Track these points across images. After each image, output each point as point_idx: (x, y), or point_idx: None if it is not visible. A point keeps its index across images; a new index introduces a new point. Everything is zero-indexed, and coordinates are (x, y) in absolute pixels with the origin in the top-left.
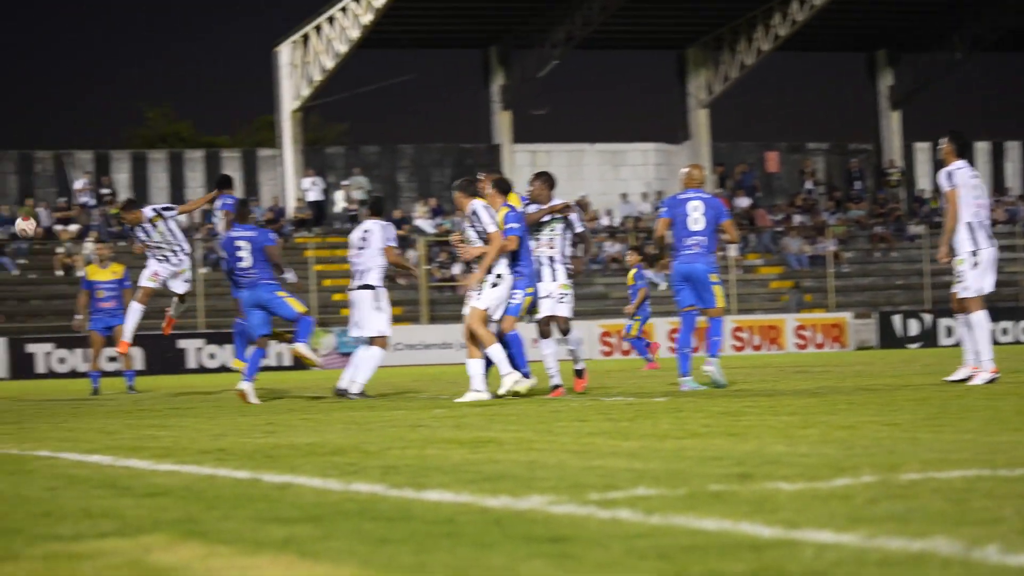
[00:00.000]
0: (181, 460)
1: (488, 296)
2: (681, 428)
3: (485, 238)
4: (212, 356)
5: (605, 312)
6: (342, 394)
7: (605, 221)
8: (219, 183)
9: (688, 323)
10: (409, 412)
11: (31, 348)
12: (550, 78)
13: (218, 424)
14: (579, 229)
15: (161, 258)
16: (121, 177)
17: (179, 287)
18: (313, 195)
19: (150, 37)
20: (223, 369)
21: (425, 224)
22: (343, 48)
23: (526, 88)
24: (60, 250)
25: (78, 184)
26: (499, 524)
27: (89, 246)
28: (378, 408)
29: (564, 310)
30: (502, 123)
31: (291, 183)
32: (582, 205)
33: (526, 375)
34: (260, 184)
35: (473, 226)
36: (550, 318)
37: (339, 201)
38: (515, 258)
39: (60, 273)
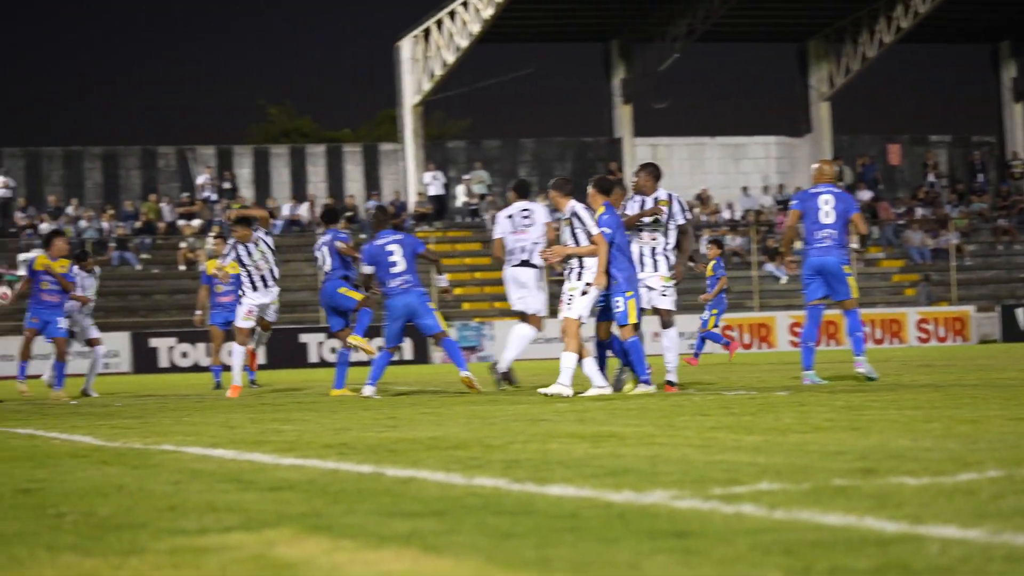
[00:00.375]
0: (304, 454)
1: (579, 305)
2: (804, 422)
3: (589, 239)
4: (333, 351)
5: None
6: (506, 377)
7: (726, 214)
8: (325, 217)
9: (815, 317)
10: (531, 406)
11: (154, 343)
12: (671, 71)
13: (340, 418)
14: (680, 220)
15: (253, 283)
16: (243, 172)
17: (271, 316)
18: (434, 189)
19: (272, 34)
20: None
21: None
22: (464, 42)
23: (647, 81)
24: (183, 245)
25: (200, 179)
26: (622, 519)
27: (210, 241)
28: (500, 402)
29: (666, 303)
30: (623, 117)
31: (412, 177)
32: (703, 198)
33: (646, 382)
34: (381, 179)
35: (572, 227)
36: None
37: (460, 195)
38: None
39: (183, 268)
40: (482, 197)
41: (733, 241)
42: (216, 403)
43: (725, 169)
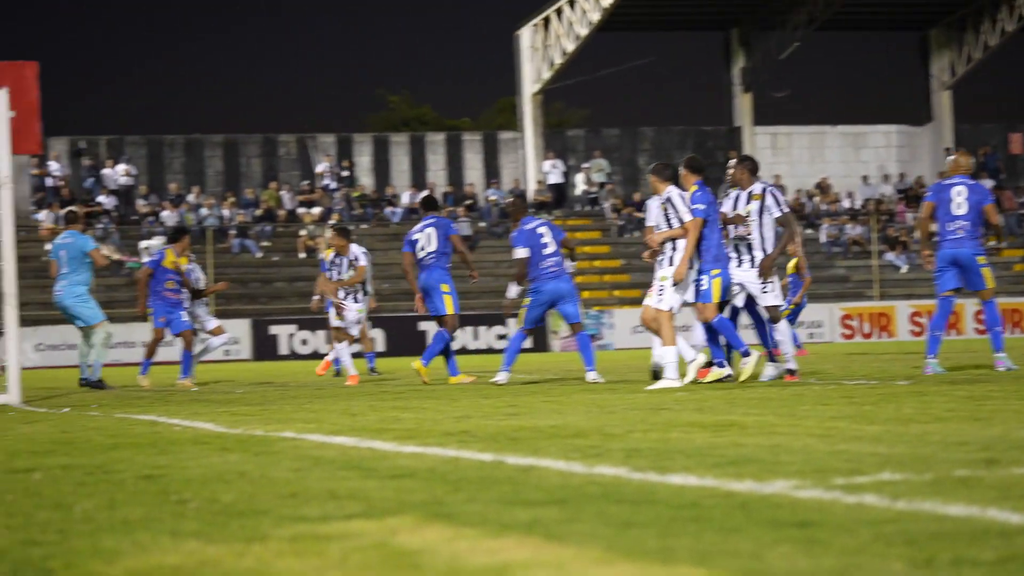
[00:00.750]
0: (425, 442)
1: (669, 296)
2: (925, 412)
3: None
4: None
5: (845, 295)
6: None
7: (847, 203)
8: (426, 204)
9: (944, 308)
10: (651, 395)
11: (274, 330)
12: (791, 60)
13: (460, 406)
14: (776, 213)
15: (346, 294)
16: (363, 160)
17: (354, 330)
18: (554, 178)
19: (394, 22)
20: (463, 351)
21: None
22: (584, 31)
23: (767, 70)
24: (303, 233)
25: (320, 167)
26: (744, 508)
27: (330, 229)
28: (619, 391)
29: (770, 299)
30: (743, 105)
31: (532, 166)
32: (823, 187)
33: (746, 352)
34: (501, 167)
35: (667, 213)
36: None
37: (579, 184)
38: (698, 241)
39: (302, 255)
40: (601, 185)
41: (853, 230)
42: (336, 390)
43: (845, 158)
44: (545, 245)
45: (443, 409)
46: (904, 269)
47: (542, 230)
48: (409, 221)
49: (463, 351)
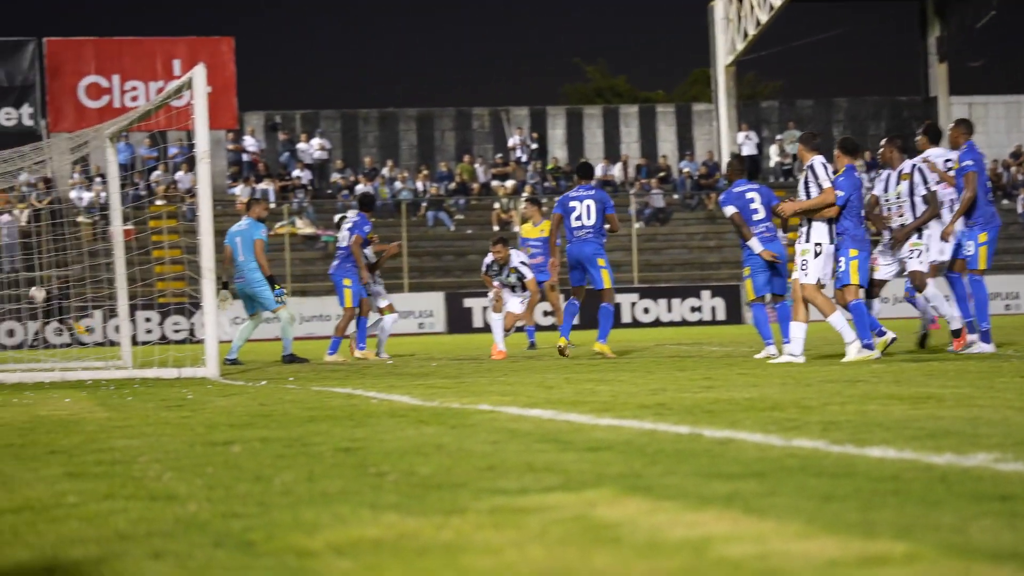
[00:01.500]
0: (620, 415)
1: (813, 269)
2: None
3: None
4: (646, 311)
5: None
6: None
7: None
8: (580, 172)
9: None
10: (846, 368)
11: (468, 303)
12: (987, 29)
13: (655, 378)
14: (923, 192)
15: (507, 287)
16: (557, 133)
17: (517, 307)
18: (747, 150)
19: None
20: (656, 323)
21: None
22: (777, 2)
23: (963, 39)
24: (496, 206)
25: (512, 140)
26: (945, 482)
27: (524, 203)
28: (815, 364)
29: (914, 264)
30: (938, 75)
31: (725, 137)
32: (1018, 156)
33: (868, 346)
34: (694, 139)
35: (807, 181)
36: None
37: (773, 155)
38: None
39: (496, 228)
40: (795, 157)
41: None
42: (531, 364)
43: None
44: (755, 211)
45: (638, 382)
46: None
47: (752, 195)
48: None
49: (657, 323)
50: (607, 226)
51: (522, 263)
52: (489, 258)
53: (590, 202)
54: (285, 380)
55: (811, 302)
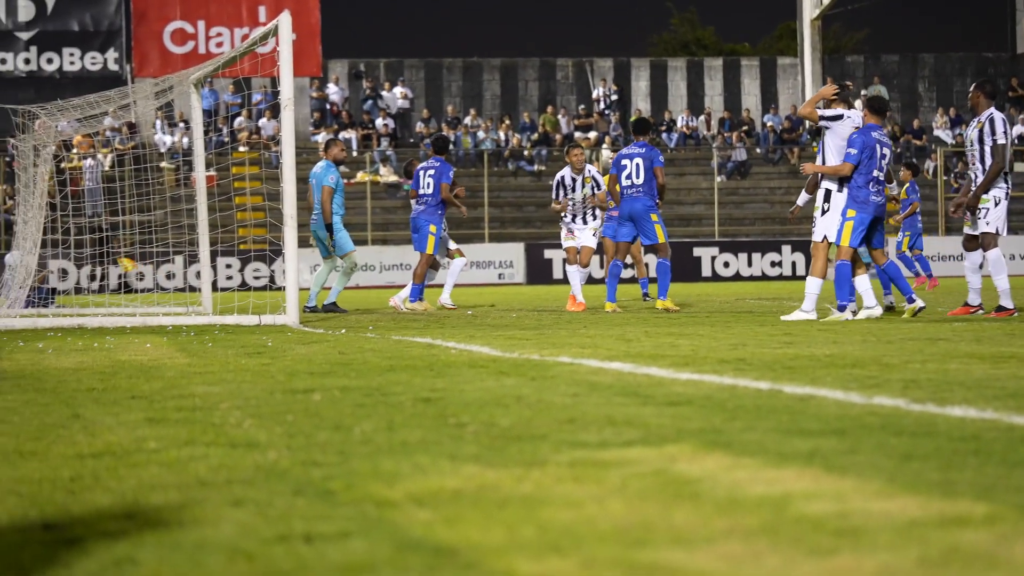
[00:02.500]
0: (700, 369)
1: (994, 217)
2: None
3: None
4: (727, 264)
5: None
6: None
7: None
8: (636, 127)
9: None
10: (927, 325)
11: (548, 254)
12: None
13: (735, 333)
14: (988, 143)
15: (575, 216)
16: (640, 85)
17: (590, 240)
18: None
19: None
20: (736, 277)
21: (943, 134)
22: None
23: None
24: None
25: (596, 92)
26: None
27: (605, 153)
28: (895, 321)
29: (981, 226)
30: None
31: (809, 92)
32: None
33: (842, 308)
34: (778, 93)
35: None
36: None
37: (858, 110)
38: (844, 182)
39: None
40: None
41: None
42: (612, 317)
43: None
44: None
45: (718, 336)
46: None
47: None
48: (685, 147)
49: (737, 277)
50: (659, 180)
51: (595, 174)
52: (560, 175)
53: (639, 160)
54: (365, 329)
55: (814, 258)
